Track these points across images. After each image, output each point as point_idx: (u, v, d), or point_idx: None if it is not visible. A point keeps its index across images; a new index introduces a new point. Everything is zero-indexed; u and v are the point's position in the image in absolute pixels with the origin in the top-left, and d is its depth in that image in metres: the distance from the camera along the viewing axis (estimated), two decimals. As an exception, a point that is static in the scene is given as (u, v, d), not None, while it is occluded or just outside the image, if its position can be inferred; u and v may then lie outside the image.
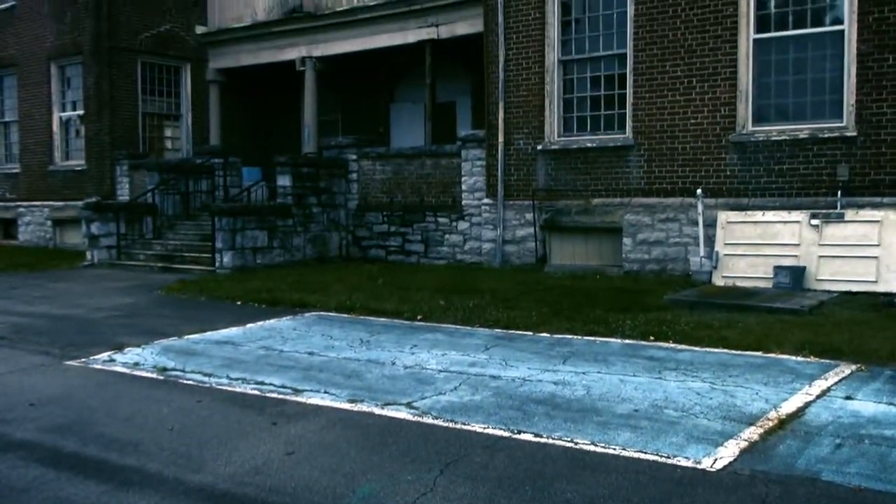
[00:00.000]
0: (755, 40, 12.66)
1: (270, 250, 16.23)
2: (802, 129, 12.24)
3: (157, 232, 18.22)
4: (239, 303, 11.89)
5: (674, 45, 13.23)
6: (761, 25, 12.65)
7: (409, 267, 15.98)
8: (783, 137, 12.33)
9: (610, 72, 14.18)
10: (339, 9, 19.97)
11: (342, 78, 22.30)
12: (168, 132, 22.67)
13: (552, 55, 14.61)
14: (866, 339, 8.20)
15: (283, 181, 16.80)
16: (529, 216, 14.81)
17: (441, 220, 16.41)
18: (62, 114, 22.56)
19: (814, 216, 11.68)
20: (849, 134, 11.82)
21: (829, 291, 11.11)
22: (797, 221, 11.79)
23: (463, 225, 16.08)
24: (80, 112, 21.92)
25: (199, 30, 22.57)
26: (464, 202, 16.08)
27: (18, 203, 23.42)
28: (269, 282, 13.56)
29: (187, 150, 22.65)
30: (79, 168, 21.90)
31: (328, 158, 18.06)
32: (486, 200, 15.53)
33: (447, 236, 16.30)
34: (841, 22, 11.99)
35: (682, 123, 13.18)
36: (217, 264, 15.54)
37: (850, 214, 11.48)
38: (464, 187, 16.08)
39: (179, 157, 22.07)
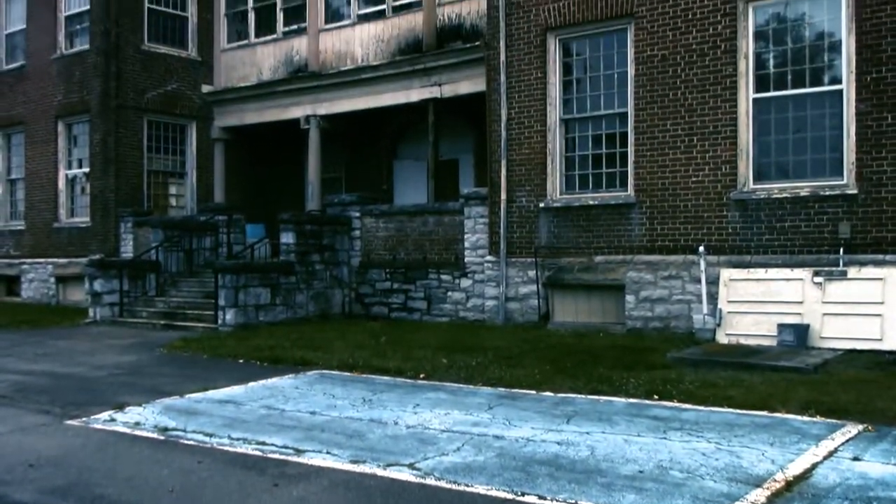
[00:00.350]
0: (754, 99, 12.80)
1: (273, 307, 16.22)
2: (803, 187, 12.31)
3: (160, 289, 18.24)
4: (241, 361, 11.85)
5: (674, 104, 13.37)
6: (760, 85, 12.80)
7: (411, 324, 15.94)
8: (784, 195, 12.39)
9: (611, 130, 14.31)
10: (343, 68, 20.27)
11: (346, 135, 22.54)
12: (173, 189, 22.83)
13: (554, 114, 14.77)
14: (873, 398, 8.14)
15: (287, 238, 16.87)
16: (532, 273, 14.82)
17: (444, 277, 16.42)
18: (68, 171, 22.76)
19: (817, 274, 11.68)
20: (850, 192, 11.88)
21: (833, 349, 11.06)
22: (800, 279, 11.79)
23: (466, 282, 16.09)
24: (86, 170, 22.11)
25: (205, 89, 22.89)
26: (466, 259, 16.11)
27: (22, 260, 23.50)
28: (271, 339, 13.53)
29: (192, 207, 22.79)
30: (83, 225, 22.01)
31: (331, 216, 18.15)
32: (488, 258, 15.56)
33: (450, 293, 16.30)
34: (839, 81, 12.13)
35: (684, 181, 13.27)
36: (220, 322, 15.52)
37: (852, 272, 11.48)
38: (466, 244, 16.12)
39: (184, 215, 22.21)
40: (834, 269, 11.64)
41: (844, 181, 12.02)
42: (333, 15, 21.23)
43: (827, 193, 12.06)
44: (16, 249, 23.78)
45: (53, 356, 12.66)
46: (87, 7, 22.03)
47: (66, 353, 12.96)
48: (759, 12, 12.86)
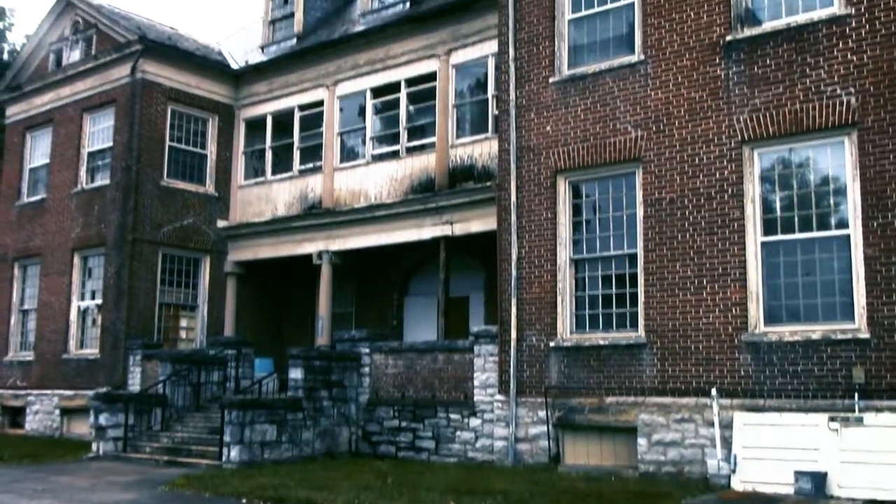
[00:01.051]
0: (763, 243, 12.91)
1: (279, 444, 15.96)
2: (815, 331, 12.23)
3: (165, 423, 18.03)
4: (244, 500, 11.57)
5: (683, 246, 13.49)
6: (768, 228, 12.93)
7: (419, 465, 15.61)
8: (796, 338, 12.31)
9: (621, 271, 14.40)
10: (357, 206, 20.69)
11: (357, 271, 22.78)
12: (183, 322, 22.90)
13: (564, 254, 14.90)
14: (896, 553, 7.85)
15: (295, 374, 16.75)
16: (542, 414, 14.61)
17: (453, 416, 16.19)
18: (81, 303, 22.92)
19: (832, 419, 11.46)
20: (862, 336, 11.80)
21: (853, 499, 10.74)
22: (815, 425, 11.56)
23: (475, 421, 15.84)
24: (99, 301, 22.27)
25: (221, 223, 23.32)
26: (476, 398, 15.92)
27: (28, 391, 23.34)
28: (275, 478, 13.25)
29: (201, 340, 22.79)
30: (92, 357, 21.99)
31: (341, 352, 18.09)
32: (498, 397, 15.38)
33: (459, 433, 16.03)
34: (846, 226, 12.25)
35: (694, 323, 13.23)
36: (224, 458, 15.25)
37: (869, 418, 11.26)
38: (476, 383, 15.97)
39: (193, 348, 22.18)
40: (850, 415, 11.43)
41: (856, 325, 11.96)
42: (348, 154, 21.87)
43: (839, 337, 11.98)
44: (23, 380, 23.68)
45: (53, 492, 12.41)
46: (111, 144, 22.74)
47: (66, 490, 12.70)
48: (765, 158, 13.14)
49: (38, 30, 25.60)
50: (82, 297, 23.00)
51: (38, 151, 25.18)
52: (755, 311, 12.80)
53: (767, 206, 13.01)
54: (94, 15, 23.81)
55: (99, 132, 23.40)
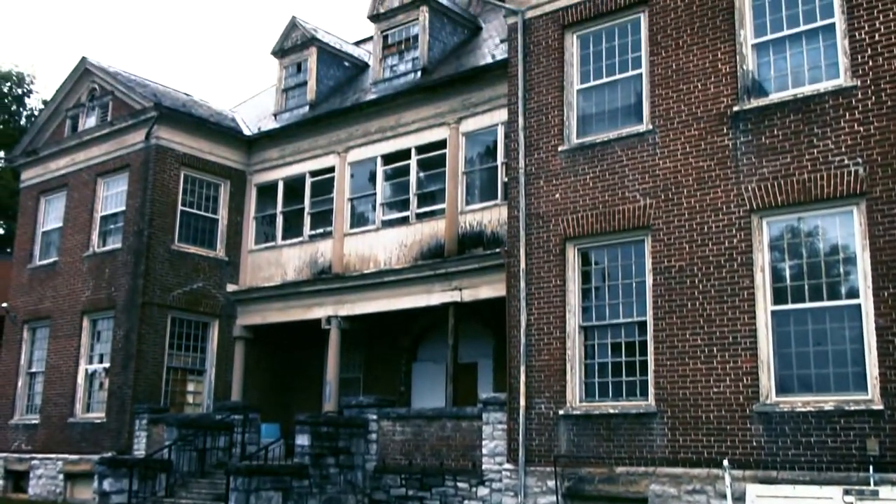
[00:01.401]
0: (773, 312, 12.83)
1: (284, 512, 15.74)
2: (827, 401, 12.09)
3: (169, 489, 17.82)
4: (248, 571, 11.38)
5: (693, 314, 13.43)
6: (778, 297, 12.87)
7: (426, 534, 15.36)
8: (808, 409, 12.16)
9: (630, 338, 14.31)
10: (366, 271, 20.74)
11: (366, 336, 22.72)
12: (191, 387, 22.79)
13: (573, 321, 14.85)
14: None
15: (302, 440, 16.59)
16: (551, 483, 14.39)
17: (461, 484, 15.95)
18: (89, 366, 22.86)
19: (847, 492, 11.24)
20: (875, 407, 11.64)
21: (870, 575, 10.50)
22: (830, 498, 11.34)
23: (483, 491, 15.60)
24: (107, 365, 22.22)
25: (230, 287, 23.38)
26: (484, 466, 15.70)
27: (33, 455, 23.15)
28: (280, 548, 13.05)
29: (208, 404, 22.66)
30: (98, 421, 21.84)
31: (348, 418, 17.92)
32: (507, 465, 15.18)
33: (467, 502, 15.77)
34: (857, 295, 12.18)
35: (705, 392, 13.10)
36: (228, 526, 15.05)
37: (884, 492, 11.05)
38: (484, 451, 15.77)
39: (199, 413, 22.03)
40: (865, 487, 11.23)
41: (869, 396, 11.81)
42: (358, 220, 22.00)
43: (852, 408, 11.82)
44: (27, 444, 23.51)
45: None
46: (123, 208, 22.95)
47: (67, 558, 12.53)
48: (773, 227, 13.14)
49: (55, 96, 26.09)
50: (90, 361, 22.95)
51: (52, 215, 25.41)
52: (766, 380, 12.67)
53: (777, 275, 12.97)
54: (111, 82, 24.25)
55: (112, 196, 23.64)
